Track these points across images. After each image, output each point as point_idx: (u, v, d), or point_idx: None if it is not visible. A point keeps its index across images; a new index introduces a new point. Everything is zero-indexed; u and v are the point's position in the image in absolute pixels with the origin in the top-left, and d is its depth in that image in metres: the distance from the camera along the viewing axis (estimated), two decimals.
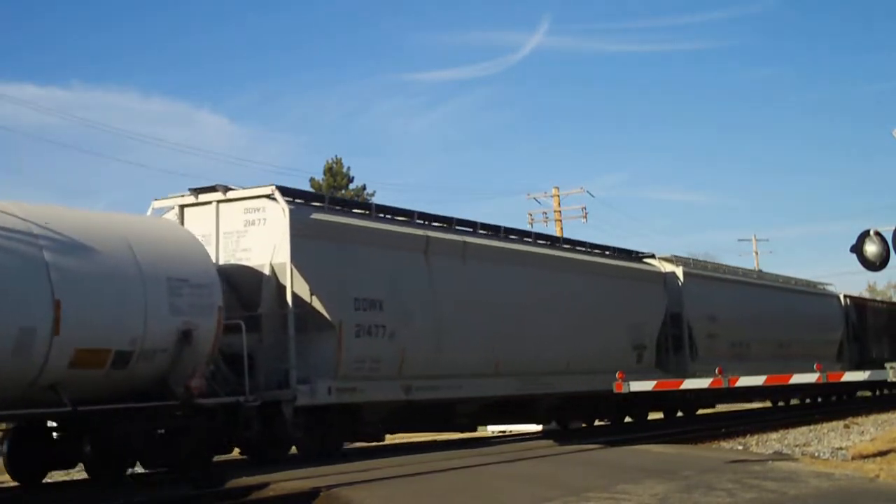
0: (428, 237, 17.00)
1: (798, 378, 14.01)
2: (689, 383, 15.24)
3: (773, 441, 19.00)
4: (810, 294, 34.21)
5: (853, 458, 14.89)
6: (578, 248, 22.68)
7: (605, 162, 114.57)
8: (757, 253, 59.06)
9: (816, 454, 16.05)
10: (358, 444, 17.47)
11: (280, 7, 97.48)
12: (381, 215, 16.97)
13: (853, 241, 14.56)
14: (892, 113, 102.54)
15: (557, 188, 43.30)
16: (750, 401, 32.21)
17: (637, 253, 25.00)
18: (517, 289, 18.89)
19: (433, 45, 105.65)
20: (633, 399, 19.84)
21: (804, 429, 22.06)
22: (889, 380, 12.32)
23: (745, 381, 14.75)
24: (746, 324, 27.48)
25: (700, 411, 28.59)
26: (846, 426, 22.61)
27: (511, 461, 13.47)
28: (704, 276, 26.94)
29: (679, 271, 25.19)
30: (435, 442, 20.96)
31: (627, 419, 24.66)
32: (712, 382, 13.83)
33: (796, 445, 17.87)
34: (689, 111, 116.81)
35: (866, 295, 55.23)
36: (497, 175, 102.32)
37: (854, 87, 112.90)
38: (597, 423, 24.48)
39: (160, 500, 10.96)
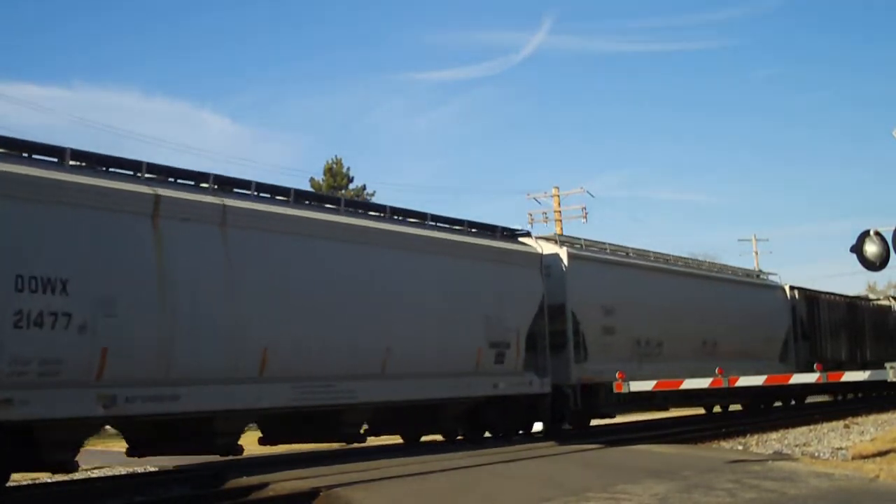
0: (158, 196, 12.20)
1: (798, 378, 14.02)
2: (690, 383, 15.22)
3: (773, 441, 19.00)
4: (746, 285, 29.66)
5: (853, 458, 14.88)
6: (415, 220, 17.24)
7: (605, 162, 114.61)
8: (757, 253, 59.04)
9: (816, 454, 16.05)
10: (357, 445, 17.34)
11: (282, 7, 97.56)
12: (101, 168, 12.32)
13: (853, 241, 14.54)
14: (893, 112, 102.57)
15: (557, 188, 43.34)
16: (666, 409, 25.50)
17: (508, 230, 19.47)
18: (309, 269, 14.24)
19: (435, 45, 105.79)
20: (486, 408, 17.91)
21: (804, 429, 22.06)
22: (889, 380, 12.31)
23: (745, 380, 14.76)
24: (657, 318, 22.91)
25: (595, 422, 22.33)
26: (846, 426, 22.61)
27: (511, 461, 13.46)
28: (599, 259, 22.06)
29: (563, 253, 20.42)
30: (435, 442, 20.94)
31: (487, 434, 18.94)
32: (712, 382, 13.84)
33: (796, 445, 17.88)
34: (689, 111, 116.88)
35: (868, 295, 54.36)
36: (497, 175, 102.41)
37: (854, 87, 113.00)
38: (427, 438, 19.03)
39: (160, 500, 10.96)
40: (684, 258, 28.06)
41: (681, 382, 15.39)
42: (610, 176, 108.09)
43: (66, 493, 11.80)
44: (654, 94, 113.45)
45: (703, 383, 14.84)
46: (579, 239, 22.47)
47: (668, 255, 26.19)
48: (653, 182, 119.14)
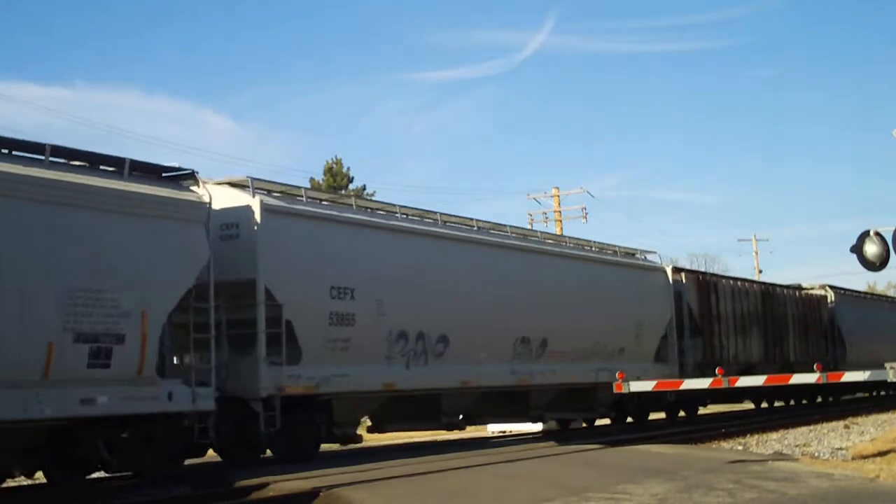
0: None
1: (798, 378, 14.02)
2: (690, 383, 15.23)
3: (773, 441, 19.01)
4: (604, 264, 21.93)
5: (853, 459, 14.90)
6: None
7: (605, 162, 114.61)
8: (757, 253, 59.04)
9: (816, 454, 16.06)
10: (356, 446, 17.35)
11: (284, 7, 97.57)
12: None
13: (853, 241, 14.56)
14: (893, 113, 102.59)
15: (557, 188, 43.34)
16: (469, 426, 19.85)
17: (149, 165, 12.60)
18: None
19: (437, 44, 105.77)
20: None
21: (804, 429, 22.07)
22: (889, 380, 12.32)
23: (745, 380, 14.77)
24: (440, 305, 16.46)
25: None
26: (846, 426, 22.61)
27: (511, 461, 13.48)
28: (324, 218, 15.18)
29: (255, 205, 13.80)
30: (435, 442, 20.98)
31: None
32: (712, 382, 13.84)
33: (796, 445, 17.88)
34: (689, 111, 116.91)
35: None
36: (497, 175, 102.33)
37: (855, 87, 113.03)
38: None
39: (160, 500, 10.96)
40: (514, 229, 20.04)
41: (681, 382, 15.40)
42: (610, 176, 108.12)
43: (67, 493, 11.80)
44: (654, 94, 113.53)
45: (703, 383, 14.85)
46: (299, 188, 15.38)
47: (481, 222, 18.77)
48: (653, 182, 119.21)
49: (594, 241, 22.58)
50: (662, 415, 25.29)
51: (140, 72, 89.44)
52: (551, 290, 19.42)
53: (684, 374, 22.95)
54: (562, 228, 42.09)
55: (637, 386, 14.72)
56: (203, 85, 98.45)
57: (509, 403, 19.16)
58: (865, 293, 40.79)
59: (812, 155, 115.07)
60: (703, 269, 29.49)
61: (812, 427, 22.62)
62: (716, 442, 18.81)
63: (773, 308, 28.86)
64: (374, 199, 28.27)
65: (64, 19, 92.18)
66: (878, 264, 14.54)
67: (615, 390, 14.20)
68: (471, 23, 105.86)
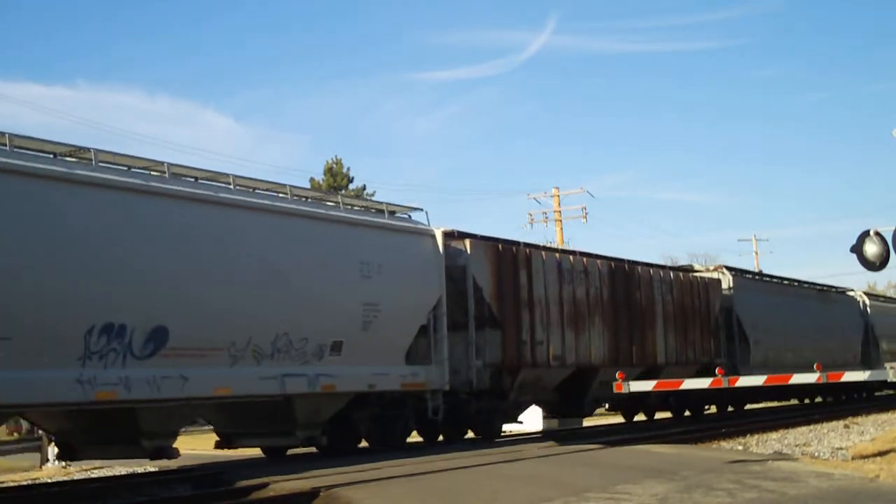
0: None
1: (798, 378, 14.02)
2: (689, 383, 15.22)
3: (773, 441, 19.01)
4: (315, 220, 14.81)
5: (853, 458, 14.90)
6: None
7: (605, 162, 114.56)
8: (757, 253, 58.95)
9: (816, 454, 16.06)
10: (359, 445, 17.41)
11: (285, 7, 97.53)
12: None
13: (853, 241, 14.55)
14: (893, 113, 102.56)
15: (557, 188, 43.34)
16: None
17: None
18: None
19: (438, 45, 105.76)
20: None
21: (804, 429, 22.06)
22: (889, 380, 12.31)
23: (745, 380, 14.76)
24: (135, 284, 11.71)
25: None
26: (846, 426, 22.61)
27: (511, 461, 13.47)
28: None
29: None
30: (436, 442, 20.94)
31: None
32: (712, 382, 13.83)
33: (796, 445, 17.89)
34: (689, 111, 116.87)
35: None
36: (498, 175, 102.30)
37: (855, 87, 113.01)
38: None
39: (160, 500, 10.97)
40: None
41: (681, 382, 15.40)
42: (610, 176, 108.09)
43: (67, 493, 11.80)
44: (654, 94, 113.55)
45: (703, 383, 14.84)
46: None
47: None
48: (653, 182, 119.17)
49: (305, 189, 16.85)
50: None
51: (142, 72, 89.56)
52: (212, 258, 12.84)
53: (459, 379, 16.99)
54: (562, 228, 42.11)
55: (637, 386, 14.72)
56: (205, 86, 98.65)
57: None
58: (776, 277, 32.88)
59: (812, 155, 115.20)
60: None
61: (812, 427, 22.62)
62: (716, 442, 18.81)
63: (631, 293, 22.00)
64: (373, 199, 27.64)
65: (66, 19, 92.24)
66: (878, 264, 14.51)
67: (615, 390, 14.16)
68: (472, 23, 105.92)
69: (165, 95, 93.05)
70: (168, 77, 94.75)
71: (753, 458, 14.33)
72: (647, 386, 15.24)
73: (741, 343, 26.54)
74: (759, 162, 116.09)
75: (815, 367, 12.90)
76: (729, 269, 28.02)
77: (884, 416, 26.02)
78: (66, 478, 14.79)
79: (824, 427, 22.62)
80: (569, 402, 21.63)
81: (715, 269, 27.77)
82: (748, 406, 30.75)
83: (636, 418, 26.43)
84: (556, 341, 19.32)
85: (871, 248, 14.36)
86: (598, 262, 21.33)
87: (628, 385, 14.08)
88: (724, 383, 13.55)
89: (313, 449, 15.76)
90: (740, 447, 17.77)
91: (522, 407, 20.29)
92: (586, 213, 42.46)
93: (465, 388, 17.37)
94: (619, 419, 27.46)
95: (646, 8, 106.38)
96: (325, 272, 14.44)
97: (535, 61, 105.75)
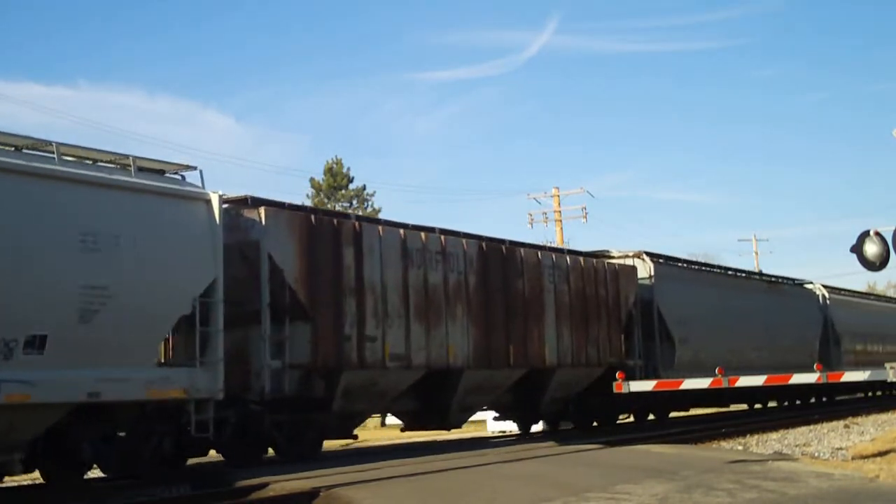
0: None
1: (798, 378, 14.02)
2: (689, 383, 15.23)
3: (773, 441, 19.00)
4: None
5: (853, 459, 14.89)
6: None
7: (605, 162, 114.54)
8: (757, 253, 58.93)
9: (816, 454, 16.06)
10: (356, 446, 17.42)
11: (286, 7, 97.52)
12: None
13: (853, 241, 14.55)
14: (893, 113, 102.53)
15: (557, 188, 43.33)
16: None
17: None
18: None
19: (439, 45, 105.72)
20: None
21: (804, 429, 22.06)
22: (889, 380, 12.31)
23: (745, 380, 14.77)
24: None
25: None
26: (846, 426, 22.60)
27: (511, 461, 13.47)
28: None
29: None
30: (435, 442, 20.97)
31: None
32: (712, 382, 13.83)
33: (796, 445, 17.88)
34: (689, 111, 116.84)
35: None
36: (498, 175, 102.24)
37: (854, 87, 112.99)
38: None
39: (160, 500, 10.96)
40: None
41: (681, 382, 15.41)
42: (610, 176, 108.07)
43: (67, 493, 11.79)
44: (654, 94, 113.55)
45: (703, 383, 14.84)
46: None
47: None
48: (653, 182, 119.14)
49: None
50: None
51: (142, 72, 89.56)
52: None
53: (247, 385, 13.93)
54: (562, 228, 42.09)
55: (637, 386, 14.72)
56: (205, 86, 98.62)
57: None
58: (714, 267, 30.02)
59: (812, 155, 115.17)
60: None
61: (812, 427, 22.62)
62: (716, 442, 18.81)
63: (510, 281, 18.49)
64: (373, 199, 27.52)
65: (67, 19, 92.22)
66: (878, 264, 14.51)
67: (615, 390, 14.15)
68: (472, 23, 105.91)
69: (166, 95, 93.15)
70: (169, 77, 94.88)
71: (753, 458, 14.32)
72: (647, 386, 15.24)
73: (664, 342, 22.71)
74: (759, 162, 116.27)
75: (815, 366, 12.91)
76: (651, 255, 23.63)
77: (884, 416, 26.00)
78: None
79: (824, 427, 22.62)
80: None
81: (633, 255, 23.38)
82: (673, 414, 26.54)
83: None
84: (397, 337, 15.80)
85: (871, 248, 14.36)
86: (464, 241, 17.65)
87: (628, 385, 14.10)
88: (723, 383, 13.55)
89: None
90: (740, 447, 17.77)
91: (359, 418, 16.68)
92: (586, 213, 42.43)
93: (254, 397, 13.83)
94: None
95: (646, 8, 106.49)
96: (17, 243, 10.68)
97: (535, 61, 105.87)
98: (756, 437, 19.89)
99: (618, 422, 23.88)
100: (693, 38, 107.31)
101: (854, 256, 14.56)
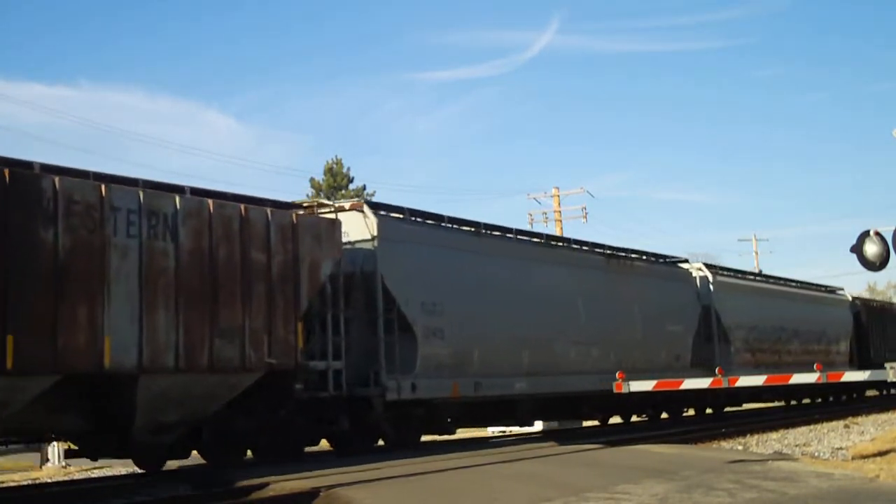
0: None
1: (798, 378, 14.01)
2: (690, 383, 15.21)
3: (773, 441, 19.01)
4: None
5: (853, 458, 14.89)
6: None
7: (605, 162, 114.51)
8: (757, 253, 58.87)
9: (816, 454, 16.06)
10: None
11: (287, 7, 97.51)
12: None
13: (853, 241, 14.55)
14: (893, 113, 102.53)
15: (557, 188, 43.30)
16: None
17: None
18: None
19: (441, 45, 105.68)
20: None
21: (804, 429, 22.06)
22: (889, 380, 12.31)
23: (745, 380, 14.76)
24: None
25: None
26: (846, 426, 22.61)
27: (511, 461, 13.46)
28: None
29: None
30: (435, 442, 20.97)
31: None
32: (712, 382, 13.82)
33: (796, 445, 17.88)
34: (690, 111, 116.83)
35: (866, 296, 50.26)
36: (498, 175, 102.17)
37: (854, 87, 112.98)
38: None
39: (160, 500, 10.96)
40: None
41: (681, 382, 15.38)
42: (611, 176, 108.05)
43: (67, 493, 11.80)
44: (655, 94, 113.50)
45: (703, 383, 14.84)
46: None
47: None
48: (653, 182, 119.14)
49: None
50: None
51: (143, 72, 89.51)
52: None
53: None
54: (562, 228, 42.06)
55: (637, 386, 14.70)
56: (207, 85, 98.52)
57: None
58: (462, 224, 18.55)
59: (812, 155, 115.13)
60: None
61: (812, 427, 22.62)
62: (716, 442, 18.81)
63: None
64: (373, 199, 27.51)
65: (68, 19, 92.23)
66: (878, 264, 14.51)
67: (615, 390, 14.16)
68: (474, 23, 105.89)
69: (166, 95, 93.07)
70: (169, 77, 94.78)
71: (753, 458, 14.32)
72: (647, 386, 15.21)
73: (403, 334, 15.82)
74: (760, 162, 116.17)
75: (815, 366, 12.89)
76: (374, 205, 16.33)
77: (884, 416, 26.01)
78: (65, 478, 14.79)
79: (824, 427, 22.61)
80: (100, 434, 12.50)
81: (351, 208, 15.93)
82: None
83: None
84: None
85: (871, 248, 14.37)
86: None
87: (628, 385, 14.08)
88: (723, 383, 13.54)
89: (313, 449, 15.76)
90: (740, 447, 17.77)
91: None
92: (586, 213, 42.36)
93: None
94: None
95: (647, 8, 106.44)
96: None
97: (536, 61, 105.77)
98: (756, 437, 19.89)
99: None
100: (694, 38, 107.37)
101: (854, 256, 14.57)
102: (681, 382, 15.28)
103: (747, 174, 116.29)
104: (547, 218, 42.98)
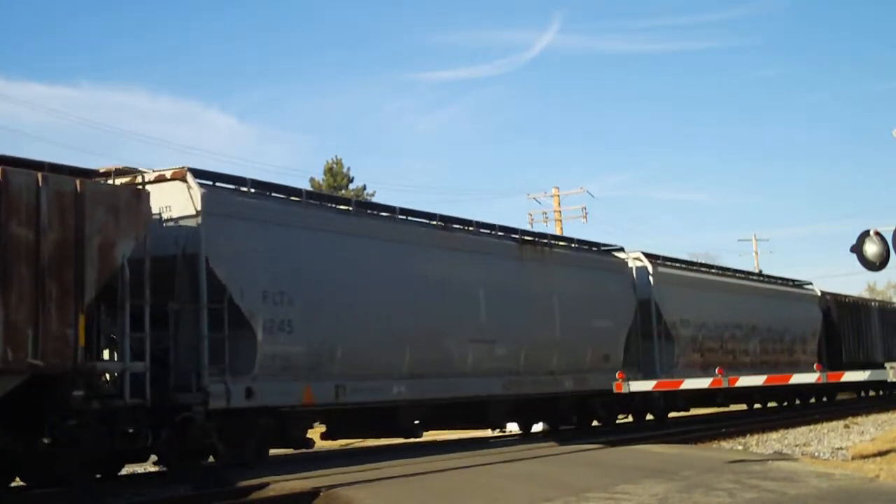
0: None
1: (798, 378, 14.03)
2: (690, 383, 15.22)
3: (773, 441, 19.01)
4: None
5: (853, 458, 14.90)
6: None
7: (605, 162, 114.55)
8: (757, 253, 58.86)
9: (816, 454, 16.06)
10: (358, 445, 17.43)
11: (288, 7, 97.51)
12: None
13: (853, 241, 14.56)
14: (893, 113, 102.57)
15: (557, 188, 43.31)
16: None
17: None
18: None
19: (442, 44, 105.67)
20: None
21: (804, 429, 22.05)
22: (889, 380, 12.32)
23: (745, 380, 14.77)
24: None
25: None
26: (846, 426, 22.60)
27: (511, 461, 13.47)
28: None
29: None
30: (435, 442, 20.97)
31: None
32: (712, 382, 13.83)
33: (796, 445, 17.88)
34: (690, 111, 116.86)
35: (866, 296, 50.36)
36: (498, 175, 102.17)
37: (855, 87, 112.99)
38: None
39: (160, 500, 10.96)
40: None
41: (681, 382, 15.39)
42: (611, 176, 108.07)
43: (66, 493, 11.79)
44: (655, 93, 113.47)
45: (703, 383, 14.85)
46: None
47: None
48: (653, 182, 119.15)
49: None
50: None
51: (144, 72, 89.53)
52: None
53: None
54: (562, 229, 42.07)
55: (637, 386, 14.72)
56: (208, 85, 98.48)
57: None
58: (328, 200, 18.21)
59: (813, 155, 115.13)
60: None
61: (812, 427, 22.61)
62: (716, 442, 18.82)
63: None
64: (373, 199, 27.28)
65: (68, 19, 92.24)
66: (878, 264, 14.52)
67: (615, 390, 14.17)
68: (475, 23, 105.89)
69: (167, 95, 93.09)
70: (170, 77, 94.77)
71: (753, 458, 14.33)
72: (647, 386, 15.23)
73: (241, 329, 12.97)
74: (760, 161, 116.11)
75: (814, 366, 12.90)
76: (200, 173, 13.34)
77: (884, 416, 26.00)
78: None
79: (824, 427, 22.61)
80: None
81: (172, 177, 12.98)
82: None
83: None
84: None
85: (871, 248, 14.37)
86: None
87: (628, 385, 14.10)
88: (723, 383, 13.55)
89: (314, 449, 15.76)
90: (740, 447, 17.78)
91: None
92: (586, 213, 42.36)
93: None
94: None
95: (648, 8, 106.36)
96: None
97: (537, 61, 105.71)
98: (756, 437, 19.89)
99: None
100: (695, 38, 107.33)
101: (854, 256, 14.58)
102: (681, 382, 15.30)
103: (747, 174, 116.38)
104: (547, 218, 43.02)
